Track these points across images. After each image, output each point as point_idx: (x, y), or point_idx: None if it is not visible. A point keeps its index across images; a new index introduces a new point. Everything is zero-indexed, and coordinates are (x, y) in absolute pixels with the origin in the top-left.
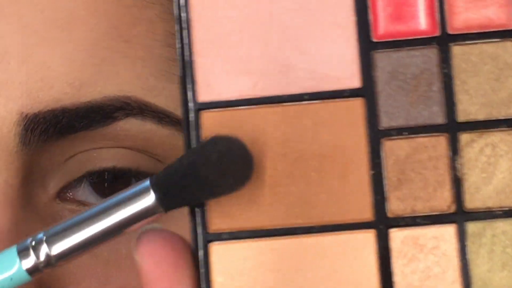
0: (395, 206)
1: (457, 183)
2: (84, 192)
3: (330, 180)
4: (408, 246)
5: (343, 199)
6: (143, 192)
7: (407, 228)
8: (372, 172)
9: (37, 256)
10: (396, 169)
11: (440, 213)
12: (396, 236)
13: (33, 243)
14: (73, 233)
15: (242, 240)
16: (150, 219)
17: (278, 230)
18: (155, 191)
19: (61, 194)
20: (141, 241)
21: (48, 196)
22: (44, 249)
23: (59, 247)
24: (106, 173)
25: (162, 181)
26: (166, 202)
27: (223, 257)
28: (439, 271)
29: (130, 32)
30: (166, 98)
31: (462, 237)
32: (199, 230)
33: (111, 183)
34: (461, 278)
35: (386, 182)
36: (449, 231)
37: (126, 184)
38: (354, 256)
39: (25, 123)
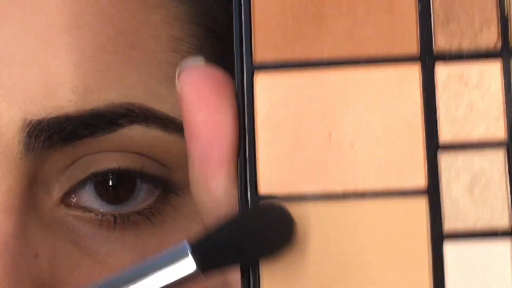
0: (441, 41)
1: (504, 21)
2: (89, 197)
3: (377, 13)
4: (453, 80)
5: (390, 32)
6: (181, 257)
7: (453, 63)
8: (420, 7)
9: None
10: (444, 5)
11: (486, 49)
12: (441, 70)
13: None
14: None
15: (287, 70)
16: (187, 284)
17: (324, 61)
18: (196, 259)
19: (66, 200)
20: (183, 70)
21: (53, 202)
22: None
23: None
24: (110, 175)
25: (203, 248)
26: (206, 269)
27: (268, 87)
28: (483, 106)
29: (135, 37)
30: (171, 104)
31: (507, 73)
32: (245, 58)
33: (115, 186)
34: (504, 114)
35: (433, 17)
36: (494, 67)
37: (131, 187)
38: (399, 90)
39: (29, 130)
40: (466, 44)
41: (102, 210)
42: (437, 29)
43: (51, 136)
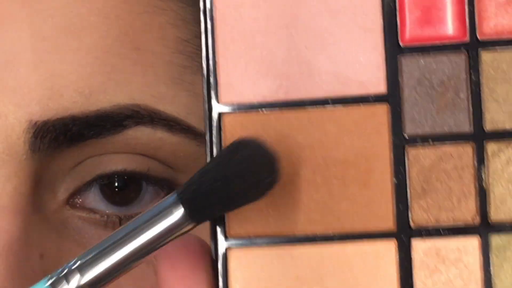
0: (418, 215)
1: (483, 194)
2: (94, 198)
3: (352, 188)
4: (430, 257)
5: (365, 207)
6: (170, 207)
7: (430, 238)
8: (396, 180)
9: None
10: (421, 178)
11: (464, 224)
12: (418, 246)
13: (65, 271)
14: (104, 258)
15: (261, 246)
16: (179, 233)
17: (298, 237)
18: (183, 205)
19: (71, 201)
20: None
21: (58, 203)
22: (76, 279)
23: (91, 274)
24: (116, 176)
25: (189, 194)
26: (195, 215)
27: (242, 263)
28: (461, 284)
29: (141, 38)
30: (177, 106)
31: (485, 249)
32: (219, 235)
33: (121, 188)
34: None
35: (409, 191)
36: (472, 243)
37: (136, 189)
38: (375, 266)
39: (35, 131)
40: (443, 219)
41: (107, 211)
42: (413, 202)
43: (57, 137)
